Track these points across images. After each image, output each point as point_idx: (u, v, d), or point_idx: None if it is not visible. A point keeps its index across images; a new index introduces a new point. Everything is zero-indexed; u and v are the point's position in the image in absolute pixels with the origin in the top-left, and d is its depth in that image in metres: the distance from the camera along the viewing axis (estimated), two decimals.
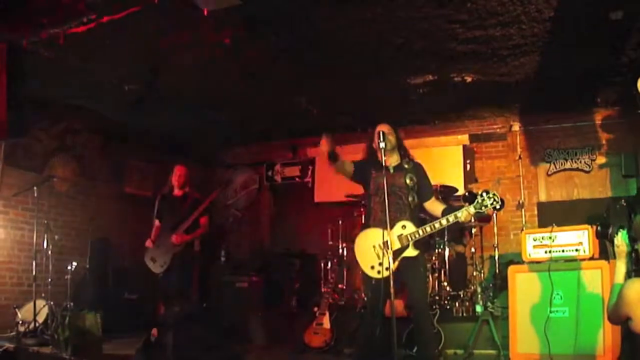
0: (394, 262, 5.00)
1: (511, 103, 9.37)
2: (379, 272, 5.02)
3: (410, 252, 5.11)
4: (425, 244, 5.69)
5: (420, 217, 5.44)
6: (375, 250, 5.12)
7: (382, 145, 5.03)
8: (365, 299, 6.21)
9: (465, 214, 4.98)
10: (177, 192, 7.41)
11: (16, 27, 6.30)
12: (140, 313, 8.89)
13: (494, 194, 4.90)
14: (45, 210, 8.72)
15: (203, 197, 7.49)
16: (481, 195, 4.94)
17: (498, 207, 4.93)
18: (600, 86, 8.43)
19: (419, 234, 5.09)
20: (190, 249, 7.42)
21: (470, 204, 5.03)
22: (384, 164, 5.07)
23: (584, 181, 9.42)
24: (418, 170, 5.43)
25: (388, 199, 4.89)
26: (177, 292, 7.14)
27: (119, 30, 6.41)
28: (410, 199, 5.26)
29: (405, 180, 5.26)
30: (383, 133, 5.09)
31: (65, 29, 6.32)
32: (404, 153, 5.48)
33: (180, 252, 7.11)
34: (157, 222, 7.48)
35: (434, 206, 5.35)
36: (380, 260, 5.01)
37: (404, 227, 5.12)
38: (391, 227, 4.99)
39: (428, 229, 5.08)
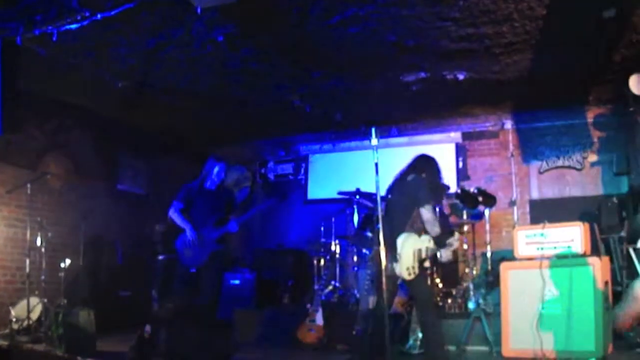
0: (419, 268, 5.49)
1: (503, 101, 9.38)
2: (409, 274, 5.39)
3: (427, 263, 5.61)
4: None
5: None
6: (415, 254, 5.44)
7: None
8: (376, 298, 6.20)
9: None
10: (211, 186, 7.20)
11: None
12: (133, 310, 8.89)
13: None
14: (38, 208, 8.70)
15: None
16: None
17: None
18: (592, 84, 8.46)
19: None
20: (226, 246, 7.26)
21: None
22: None
23: (575, 179, 9.47)
24: None
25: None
26: (215, 290, 7.00)
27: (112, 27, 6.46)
28: None
29: None
30: None
31: (58, 25, 6.32)
32: None
33: (221, 249, 6.95)
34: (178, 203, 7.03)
35: None
36: (413, 264, 5.41)
37: (429, 241, 5.53)
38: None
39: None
